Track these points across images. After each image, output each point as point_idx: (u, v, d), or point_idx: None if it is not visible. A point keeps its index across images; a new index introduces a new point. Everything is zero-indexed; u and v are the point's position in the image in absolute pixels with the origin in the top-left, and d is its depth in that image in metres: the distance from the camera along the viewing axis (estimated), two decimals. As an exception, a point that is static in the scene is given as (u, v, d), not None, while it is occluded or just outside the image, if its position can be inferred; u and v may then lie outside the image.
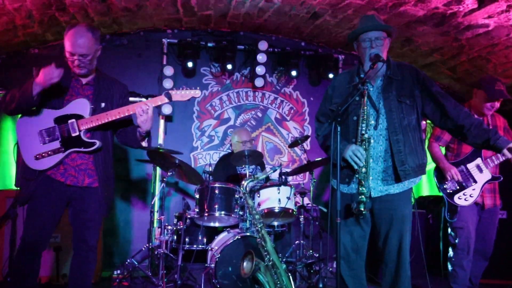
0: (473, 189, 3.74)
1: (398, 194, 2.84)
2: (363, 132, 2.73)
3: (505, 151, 2.77)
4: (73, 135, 2.96)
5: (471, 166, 3.76)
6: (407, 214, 2.85)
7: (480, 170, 3.74)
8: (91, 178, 3.05)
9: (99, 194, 3.08)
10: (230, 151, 5.58)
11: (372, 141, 2.77)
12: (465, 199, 3.74)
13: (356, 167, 2.74)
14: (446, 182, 3.80)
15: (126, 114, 3.05)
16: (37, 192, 2.94)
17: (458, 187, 3.76)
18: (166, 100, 3.17)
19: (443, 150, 4.00)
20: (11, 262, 3.42)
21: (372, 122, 2.83)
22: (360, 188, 2.73)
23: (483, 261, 3.93)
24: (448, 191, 3.78)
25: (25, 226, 2.96)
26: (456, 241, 3.79)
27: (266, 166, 5.43)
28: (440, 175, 3.86)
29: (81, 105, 3.01)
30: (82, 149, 2.99)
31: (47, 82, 2.83)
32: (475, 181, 3.74)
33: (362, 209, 2.71)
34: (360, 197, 2.72)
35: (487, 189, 3.80)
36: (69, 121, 2.97)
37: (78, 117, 2.98)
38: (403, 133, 2.81)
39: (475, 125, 2.81)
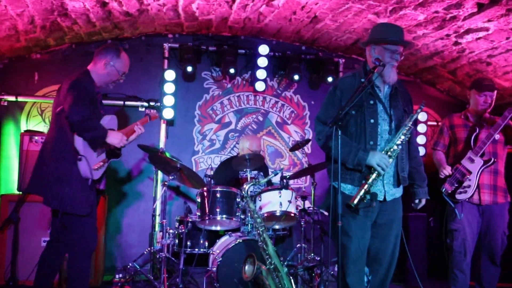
0: (469, 180, 3.79)
1: (398, 198, 3.03)
2: (398, 143, 2.87)
3: (417, 201, 3.15)
4: (112, 147, 3.34)
5: (464, 160, 3.83)
6: (401, 216, 3.05)
7: (471, 161, 3.80)
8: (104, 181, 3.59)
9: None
10: (231, 154, 5.60)
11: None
12: (464, 192, 3.80)
13: (381, 172, 2.81)
14: (446, 183, 3.84)
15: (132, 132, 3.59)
16: (94, 201, 3.29)
17: (457, 185, 3.81)
18: (148, 121, 3.83)
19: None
20: (14, 266, 3.51)
21: (387, 127, 2.94)
22: (368, 188, 2.82)
23: (493, 266, 3.86)
24: (449, 191, 3.82)
25: (88, 230, 3.22)
26: (453, 243, 3.81)
27: (269, 170, 5.44)
28: (441, 179, 3.91)
29: (113, 121, 3.43)
30: (115, 159, 3.49)
31: (119, 144, 3.28)
32: (469, 172, 3.79)
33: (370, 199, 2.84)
34: (363, 195, 2.81)
35: (486, 185, 3.81)
36: None
37: (112, 130, 3.36)
38: (407, 138, 2.96)
39: (417, 159, 3.16)
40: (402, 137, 2.88)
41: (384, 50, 2.93)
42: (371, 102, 2.92)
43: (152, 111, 3.96)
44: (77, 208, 3.11)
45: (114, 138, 3.22)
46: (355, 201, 2.78)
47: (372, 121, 2.91)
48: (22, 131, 4.91)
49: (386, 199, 2.94)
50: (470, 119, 3.95)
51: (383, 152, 2.86)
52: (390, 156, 2.85)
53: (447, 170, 3.85)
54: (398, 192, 3.01)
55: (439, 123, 3.97)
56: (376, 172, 2.82)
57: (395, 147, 2.86)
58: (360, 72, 3.05)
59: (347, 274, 2.87)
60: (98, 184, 3.38)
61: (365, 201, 2.81)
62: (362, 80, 2.87)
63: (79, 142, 3.12)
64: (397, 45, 2.94)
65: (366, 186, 2.81)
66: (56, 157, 3.14)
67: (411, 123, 2.89)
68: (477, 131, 3.84)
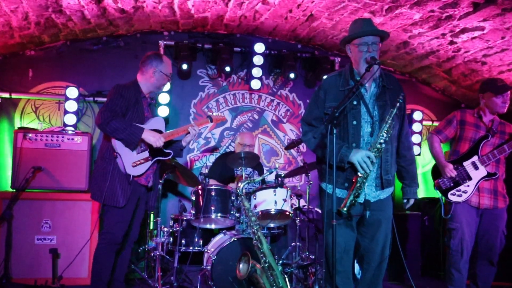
0: (467, 186, 3.77)
1: (385, 199, 2.97)
2: (381, 141, 2.80)
3: (405, 200, 3.11)
4: (154, 146, 3.51)
5: (467, 163, 3.79)
6: (391, 216, 3.00)
7: (476, 167, 3.77)
8: (153, 179, 3.69)
9: (151, 192, 3.74)
10: (225, 151, 5.60)
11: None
12: (458, 195, 3.78)
13: (361, 172, 2.77)
14: (441, 179, 3.83)
15: (185, 133, 3.79)
16: (131, 195, 3.47)
17: (452, 184, 3.79)
18: (210, 122, 4.13)
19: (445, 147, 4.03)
20: (7, 263, 3.53)
21: (369, 129, 2.88)
22: (358, 192, 2.78)
23: (490, 266, 3.87)
24: (442, 187, 3.82)
25: (114, 222, 3.45)
26: (450, 242, 3.81)
27: (264, 169, 5.43)
28: (436, 172, 3.90)
29: (159, 122, 3.69)
30: (163, 158, 3.66)
31: (155, 143, 3.46)
32: (469, 178, 3.76)
33: (355, 213, 2.82)
34: (353, 200, 2.78)
35: (486, 189, 3.78)
36: None
37: (158, 132, 3.59)
38: (390, 142, 2.89)
39: (407, 158, 3.05)
40: (385, 135, 2.79)
41: (360, 46, 2.86)
42: (355, 102, 2.86)
43: (216, 114, 4.16)
44: (114, 201, 3.40)
45: (151, 137, 3.46)
46: (346, 207, 2.75)
47: (354, 122, 2.86)
48: (16, 128, 4.88)
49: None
50: (483, 119, 3.88)
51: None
52: (377, 157, 2.80)
53: (453, 172, 3.77)
54: (382, 194, 2.94)
55: (450, 117, 3.86)
56: (362, 173, 2.77)
57: (378, 145, 2.80)
58: (347, 71, 2.99)
59: (334, 274, 2.86)
60: (141, 180, 3.54)
61: (355, 205, 2.79)
62: (352, 82, 2.88)
63: (115, 141, 3.39)
64: (372, 36, 2.86)
65: (354, 190, 2.78)
66: (101, 156, 3.51)
67: (390, 120, 2.80)
68: (489, 138, 3.79)
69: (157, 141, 3.47)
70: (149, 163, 3.56)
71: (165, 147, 3.67)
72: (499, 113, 3.86)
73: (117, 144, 3.39)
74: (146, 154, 3.55)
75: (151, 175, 3.66)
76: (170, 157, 3.70)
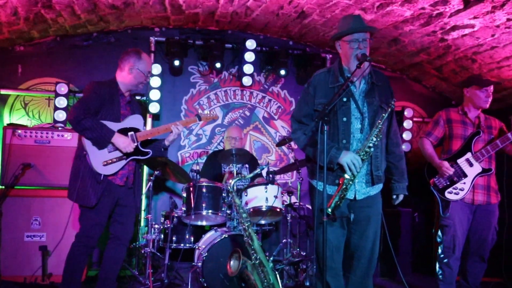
0: (464, 183, 3.78)
1: (375, 195, 2.98)
2: (370, 145, 2.82)
3: (394, 196, 3.11)
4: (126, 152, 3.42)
5: (461, 161, 3.81)
6: (381, 212, 3.00)
7: (470, 164, 3.79)
8: (132, 179, 3.57)
9: (134, 192, 3.61)
10: (216, 149, 5.58)
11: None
12: (455, 193, 3.79)
13: (349, 174, 2.79)
14: (436, 178, 3.85)
15: (167, 131, 3.61)
16: (103, 195, 3.35)
17: (448, 182, 3.80)
18: (198, 121, 3.86)
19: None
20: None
21: (359, 125, 2.89)
22: (344, 193, 2.81)
23: (481, 263, 3.90)
24: (439, 186, 3.83)
25: (89, 224, 3.37)
26: (443, 239, 3.83)
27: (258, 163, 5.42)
28: (430, 172, 3.91)
29: (137, 120, 3.55)
30: (139, 157, 3.51)
31: (124, 149, 3.37)
32: (465, 175, 3.78)
33: (339, 214, 2.85)
34: (339, 201, 2.80)
35: (480, 185, 3.81)
36: (129, 134, 3.44)
37: (135, 130, 3.48)
38: (380, 139, 2.89)
39: (396, 154, 3.07)
40: (374, 139, 2.82)
41: (350, 43, 2.87)
42: (344, 99, 2.87)
43: (207, 113, 4.00)
44: (85, 200, 3.31)
45: (121, 142, 3.36)
46: (330, 208, 2.77)
47: (344, 119, 2.87)
48: (5, 124, 4.83)
49: (357, 198, 2.92)
50: (468, 115, 3.91)
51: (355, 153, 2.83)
52: (362, 159, 2.81)
53: (450, 170, 3.78)
54: (372, 190, 2.96)
55: (436, 118, 3.91)
56: (349, 174, 2.79)
57: (367, 149, 2.82)
58: (336, 68, 2.99)
59: (325, 270, 2.86)
60: (116, 180, 3.43)
61: (340, 204, 2.81)
62: (341, 79, 2.89)
63: (84, 139, 3.34)
64: (363, 33, 2.87)
65: (340, 192, 2.80)
66: (76, 154, 3.44)
67: (381, 124, 2.82)
68: (480, 135, 3.81)
69: (126, 147, 3.36)
70: (123, 162, 3.42)
71: (145, 146, 3.55)
72: (482, 107, 3.90)
73: (87, 143, 3.33)
74: (118, 153, 3.41)
75: (128, 175, 3.51)
76: (148, 156, 3.53)
